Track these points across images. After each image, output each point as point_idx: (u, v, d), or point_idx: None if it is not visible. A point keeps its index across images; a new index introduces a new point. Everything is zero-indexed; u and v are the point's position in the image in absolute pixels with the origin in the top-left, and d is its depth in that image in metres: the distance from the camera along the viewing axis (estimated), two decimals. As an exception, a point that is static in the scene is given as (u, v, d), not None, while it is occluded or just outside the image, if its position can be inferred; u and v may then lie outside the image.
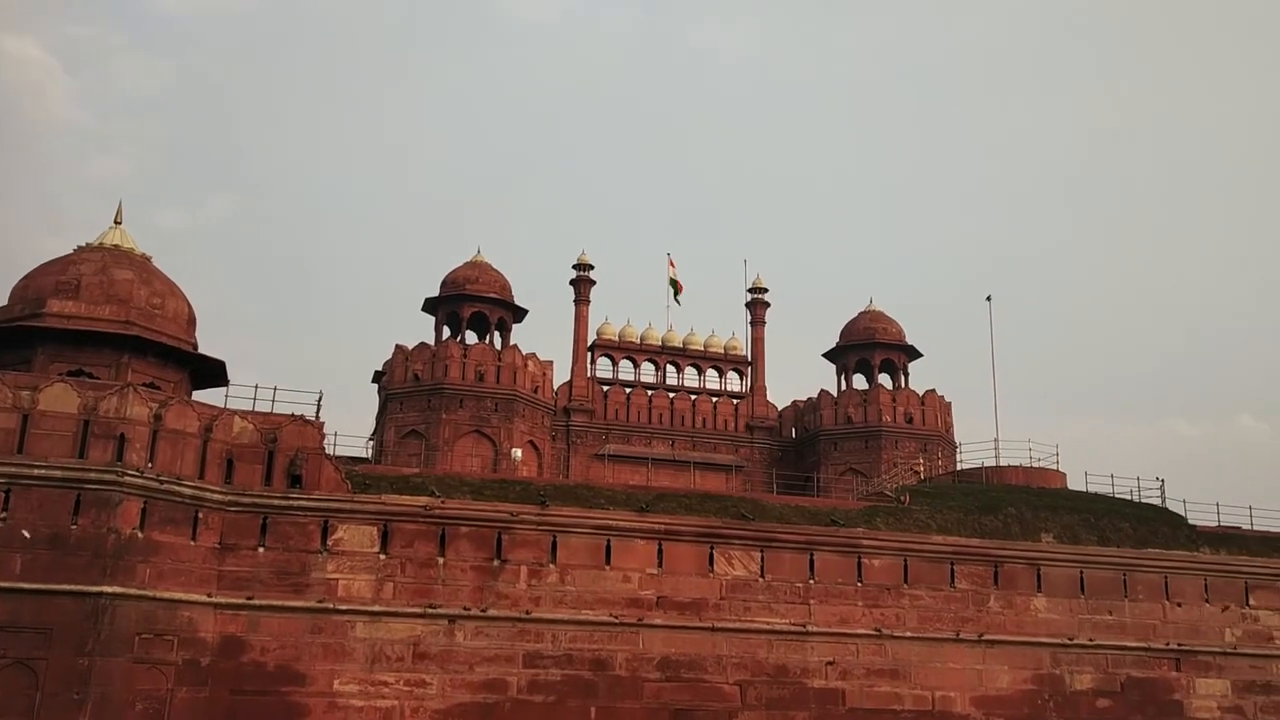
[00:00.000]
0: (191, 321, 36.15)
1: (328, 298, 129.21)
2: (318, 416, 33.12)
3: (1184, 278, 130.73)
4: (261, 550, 30.58)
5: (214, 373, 36.11)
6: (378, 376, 59.94)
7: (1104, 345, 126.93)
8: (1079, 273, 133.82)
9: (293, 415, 32.49)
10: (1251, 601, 38.34)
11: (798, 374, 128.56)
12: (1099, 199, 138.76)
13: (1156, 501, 41.36)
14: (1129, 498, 41.53)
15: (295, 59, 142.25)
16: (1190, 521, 40.39)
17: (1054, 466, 43.72)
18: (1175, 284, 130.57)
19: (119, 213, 36.91)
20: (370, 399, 62.05)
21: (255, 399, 33.32)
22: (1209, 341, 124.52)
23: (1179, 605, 37.52)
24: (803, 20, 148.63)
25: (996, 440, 44.19)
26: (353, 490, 31.99)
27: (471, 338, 58.74)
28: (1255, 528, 41.50)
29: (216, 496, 30.28)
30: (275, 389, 33.51)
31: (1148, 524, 39.23)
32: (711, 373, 65.72)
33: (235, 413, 31.85)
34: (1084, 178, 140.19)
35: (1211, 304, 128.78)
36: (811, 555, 34.78)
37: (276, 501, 31.03)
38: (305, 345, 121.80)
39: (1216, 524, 41.04)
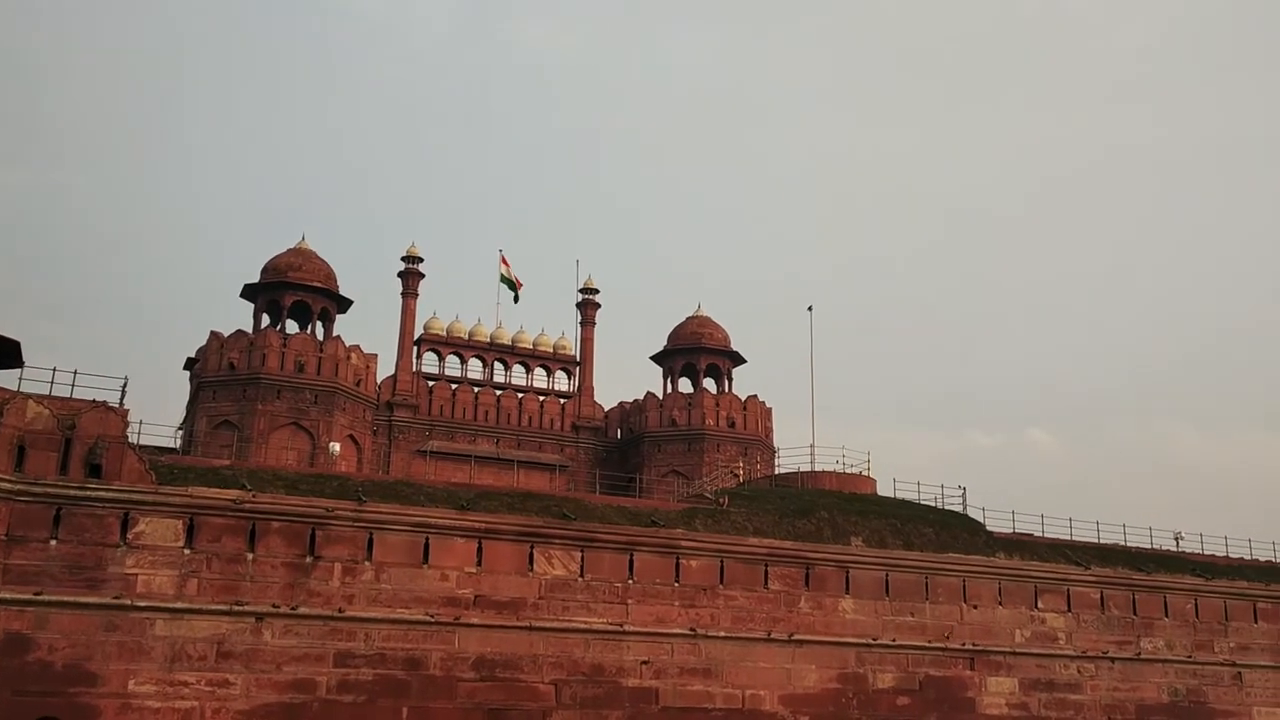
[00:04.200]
0: (-19, 298, 33.75)
1: (139, 281, 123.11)
2: (121, 403, 31.51)
3: (980, 302, 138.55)
4: (54, 543, 28.81)
5: (7, 354, 33.79)
6: (190, 364, 57.35)
7: (915, 358, 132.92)
8: (895, 288, 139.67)
9: (94, 401, 30.80)
10: (1040, 605, 40.67)
11: (626, 376, 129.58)
12: (917, 216, 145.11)
13: (958, 508, 43.40)
14: (933, 504, 43.44)
15: (103, 35, 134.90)
16: (988, 528, 42.54)
17: (865, 473, 45.30)
18: (974, 305, 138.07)
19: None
20: (181, 387, 59.42)
21: (53, 383, 31.43)
22: (1003, 358, 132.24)
23: (975, 607, 39.49)
24: (634, 20, 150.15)
25: (813, 446, 45.55)
26: (157, 482, 30.51)
27: (293, 327, 56.92)
28: (1046, 535, 44.07)
29: (5, 485, 28.38)
30: (75, 373, 31.79)
31: (949, 529, 41.15)
32: (540, 371, 65.59)
33: (30, 396, 29.95)
34: (905, 193, 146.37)
35: (1006, 322, 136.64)
36: (631, 555, 35.08)
37: (72, 492, 29.29)
38: (112, 329, 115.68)
39: (1011, 530, 43.38)
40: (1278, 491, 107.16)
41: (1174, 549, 46.57)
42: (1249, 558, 47.92)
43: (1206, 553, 46.99)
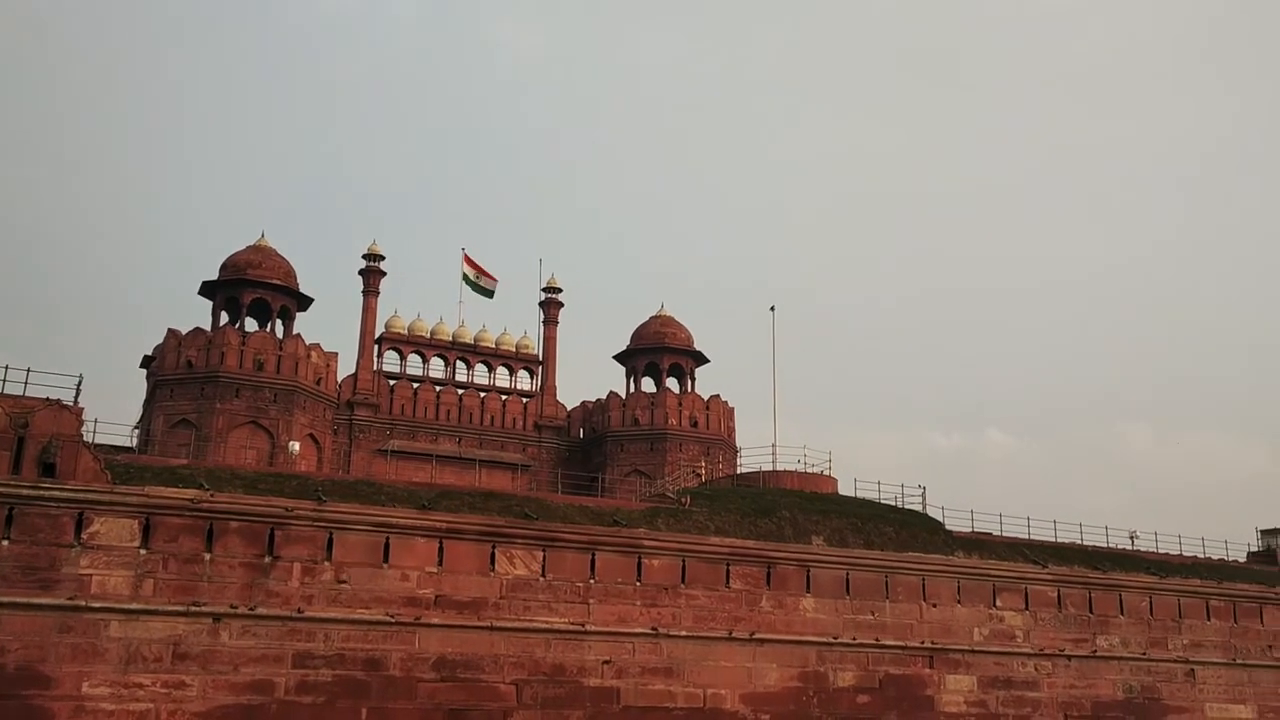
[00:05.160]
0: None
1: (94, 277, 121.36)
2: (76, 402, 31.04)
3: (940, 303, 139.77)
4: (5, 543, 28.28)
5: (-42, 350, 33.24)
6: (147, 362, 56.65)
7: (876, 359, 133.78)
8: (857, 290, 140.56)
9: (47, 399, 30.31)
10: (998, 603, 41.04)
11: (588, 375, 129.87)
12: (879, 218, 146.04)
13: (918, 507, 43.77)
14: (894, 504, 43.78)
15: (63, 28, 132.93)
16: (947, 527, 42.92)
17: (827, 472, 45.57)
18: (934, 307, 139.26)
19: None
20: (138, 386, 58.67)
21: (6, 380, 30.90)
22: (962, 359, 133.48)
23: (934, 606, 39.78)
24: (600, 19, 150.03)
25: (774, 446, 45.73)
26: (113, 481, 30.07)
27: (252, 325, 56.40)
28: (1004, 534, 44.52)
29: (-45, 485, 27.85)
30: (29, 371, 31.24)
31: (909, 529, 41.46)
32: (502, 370, 65.41)
33: (-19, 394, 29.42)
34: (868, 195, 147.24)
35: (966, 324, 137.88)
36: (593, 555, 35.02)
37: (25, 491, 28.75)
38: (66, 326, 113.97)
39: (970, 530, 43.81)
40: (1230, 491, 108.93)
41: (1129, 548, 47.24)
42: (1202, 556, 48.72)
43: (1161, 551, 47.74)
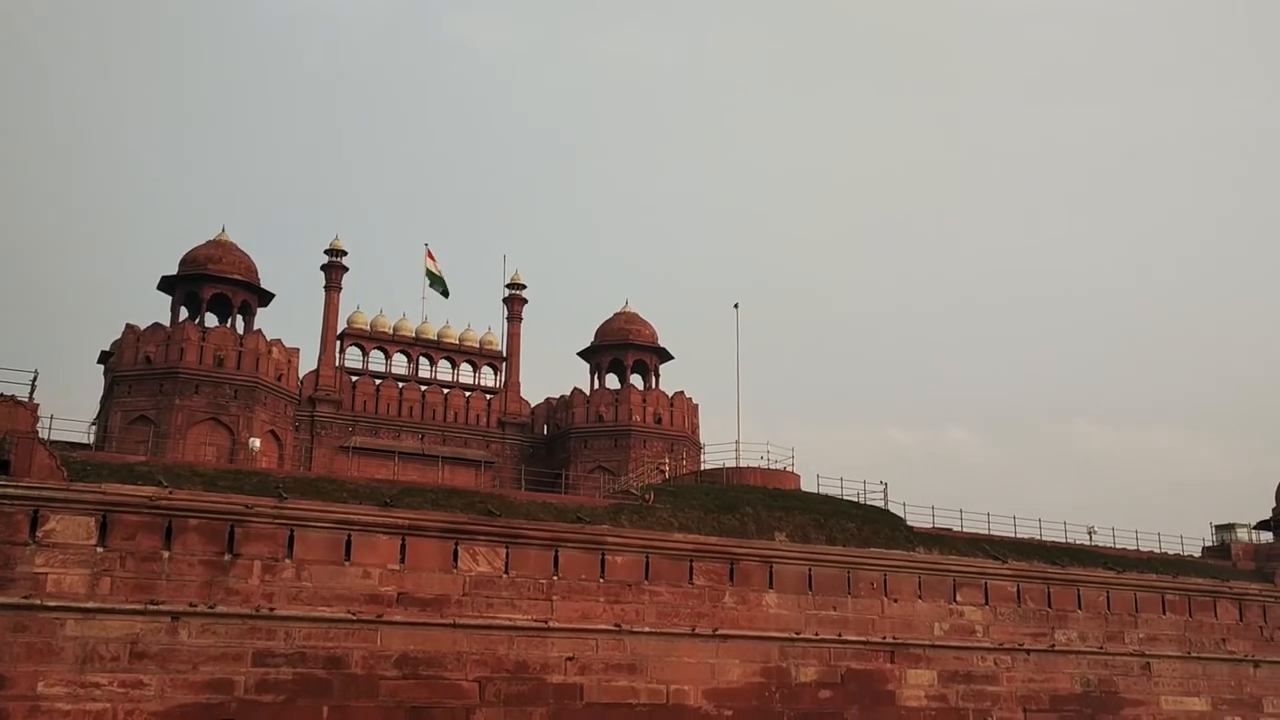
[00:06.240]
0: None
1: (51, 272, 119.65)
2: (31, 397, 30.68)
3: (901, 301, 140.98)
4: (-42, 542, 27.87)
5: (-91, 346, 32.68)
6: (104, 358, 55.88)
7: (839, 357, 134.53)
8: (820, 287, 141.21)
9: (1, 395, 29.90)
10: (958, 598, 41.42)
11: (553, 371, 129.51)
12: (841, 215, 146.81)
13: (880, 504, 43.98)
14: (856, 500, 44.00)
15: (18, 25, 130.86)
16: (909, 523, 43.21)
17: (790, 469, 45.74)
18: (898, 306, 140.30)
19: None
20: (96, 382, 57.90)
21: (-42, 376, 30.44)
22: (924, 356, 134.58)
23: (895, 601, 40.08)
24: (565, 16, 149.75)
25: (738, 442, 45.82)
26: (69, 478, 29.68)
27: (212, 321, 55.81)
28: (965, 530, 44.91)
29: (-94, 482, 27.40)
30: (-18, 366, 30.76)
31: (871, 525, 41.71)
32: (466, 367, 65.13)
33: (-67, 390, 28.94)
34: (830, 191, 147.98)
35: (928, 321, 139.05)
36: (557, 552, 34.99)
37: (-22, 489, 28.35)
38: (21, 321, 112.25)
39: (931, 525, 44.12)
40: (1185, 488, 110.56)
41: (1087, 544, 47.80)
42: (1158, 551, 49.40)
43: (1118, 547, 48.34)
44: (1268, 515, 54.27)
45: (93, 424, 53.28)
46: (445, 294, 64.33)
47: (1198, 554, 51.51)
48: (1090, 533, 48.65)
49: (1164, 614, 45.64)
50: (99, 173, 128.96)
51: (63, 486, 29.41)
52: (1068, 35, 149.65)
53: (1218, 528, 53.53)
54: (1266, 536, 53.43)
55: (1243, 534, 52.87)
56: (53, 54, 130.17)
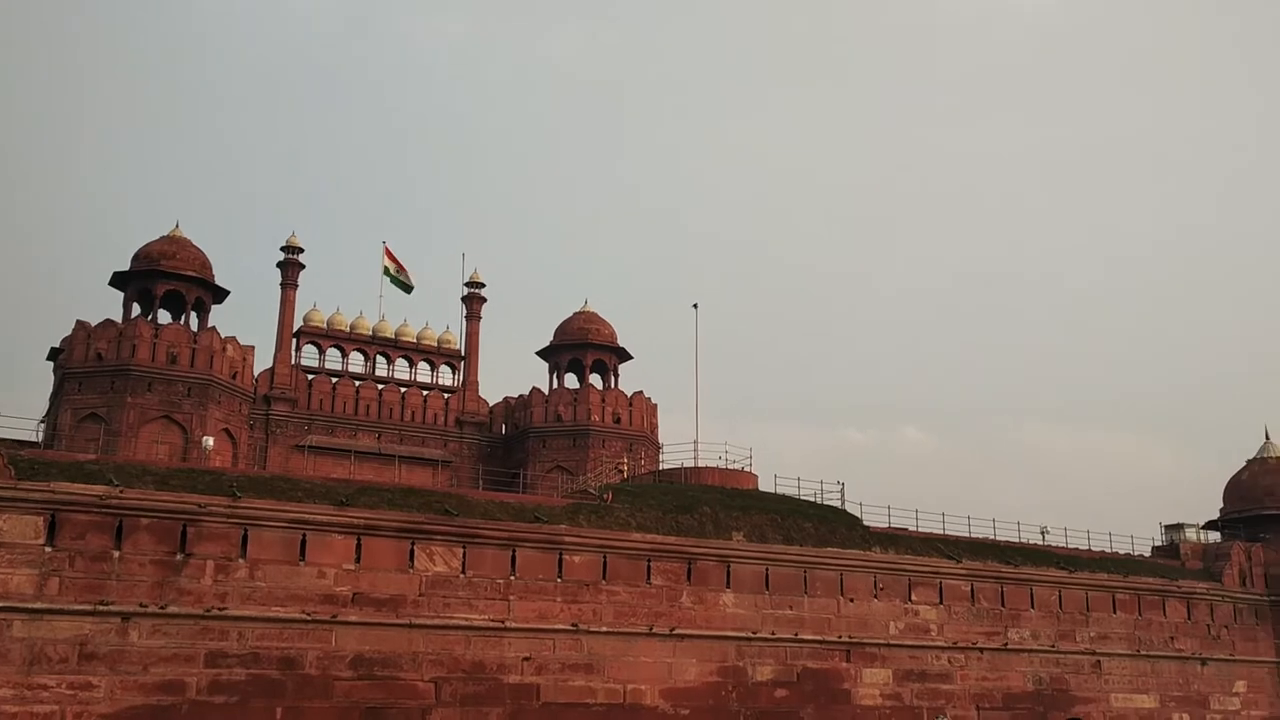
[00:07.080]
0: None
1: None
2: (-22, 394, 30.02)
3: (858, 300, 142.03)
4: (-99, 541, 27.34)
5: None
6: (54, 354, 54.94)
7: (796, 356, 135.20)
8: (777, 287, 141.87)
9: (-53, 392, 29.33)
10: (913, 597, 41.79)
11: (511, 371, 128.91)
12: (797, 213, 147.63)
13: (836, 503, 44.22)
14: (813, 499, 44.22)
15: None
16: (865, 523, 43.50)
17: (747, 469, 45.89)
18: (852, 306, 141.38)
19: None
20: (45, 378, 56.94)
21: (-98, 372, 29.80)
22: (878, 356, 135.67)
23: (852, 601, 40.36)
24: (518, 13, 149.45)
25: (696, 442, 45.92)
26: (16, 476, 29.19)
27: (165, 317, 55.04)
28: (920, 529, 45.30)
29: None
30: (-73, 362, 30.12)
31: (828, 524, 41.95)
32: (424, 365, 64.73)
33: (-124, 386, 28.32)
34: (787, 189, 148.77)
35: (883, 321, 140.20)
36: (514, 552, 34.90)
37: (-77, 487, 27.82)
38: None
39: (887, 525, 44.45)
40: (1136, 489, 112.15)
41: (1040, 543, 48.35)
42: (1109, 551, 50.10)
43: (1071, 546, 48.94)
44: (1215, 515, 55.24)
45: (42, 422, 52.43)
46: (408, 290, 63.84)
47: (1148, 554, 52.28)
48: (1043, 533, 49.24)
49: (1114, 613, 46.33)
50: (50, 166, 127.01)
51: (10, 485, 28.93)
52: (1020, 37, 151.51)
53: (1167, 528, 54.34)
54: (1214, 536, 54.37)
55: (1191, 534, 53.70)
56: (2, 48, 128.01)
